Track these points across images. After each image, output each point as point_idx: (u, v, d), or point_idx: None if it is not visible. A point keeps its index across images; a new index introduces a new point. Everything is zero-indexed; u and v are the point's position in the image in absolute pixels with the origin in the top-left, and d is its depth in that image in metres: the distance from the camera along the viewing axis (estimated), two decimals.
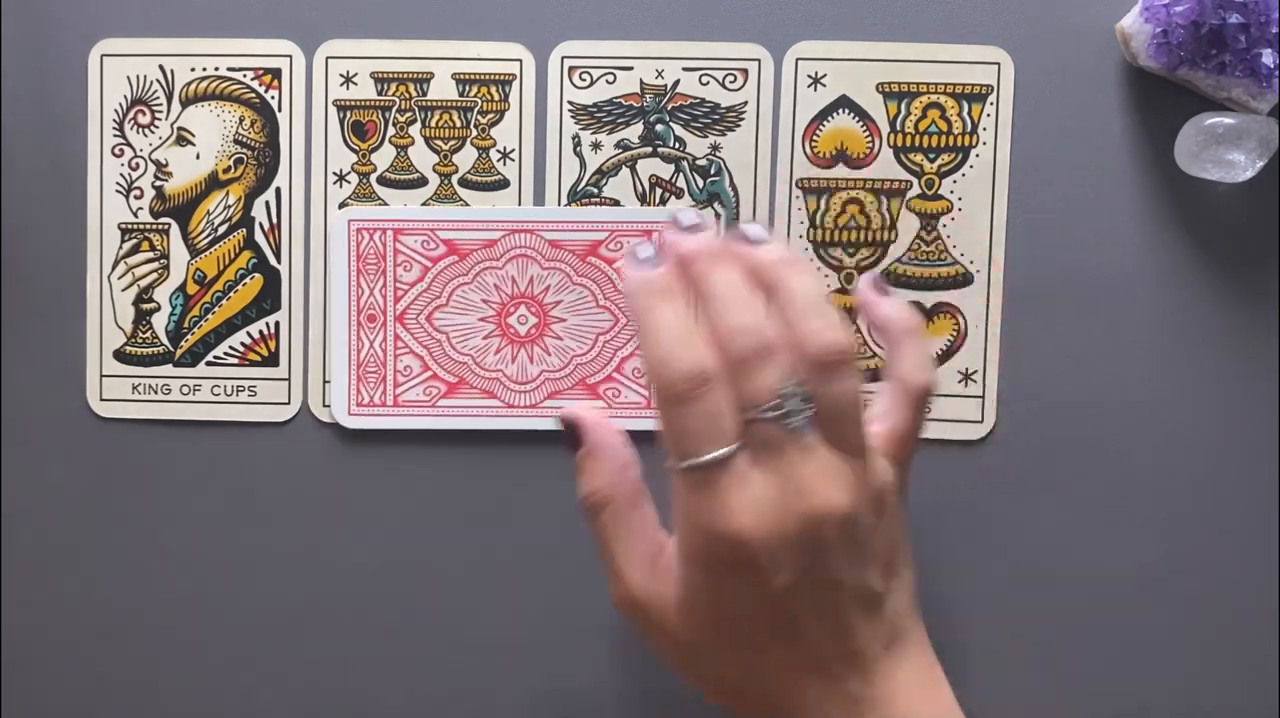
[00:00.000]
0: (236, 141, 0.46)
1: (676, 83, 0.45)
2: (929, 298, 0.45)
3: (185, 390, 0.46)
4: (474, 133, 0.46)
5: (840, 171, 0.45)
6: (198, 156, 0.46)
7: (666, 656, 0.38)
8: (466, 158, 0.46)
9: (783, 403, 0.34)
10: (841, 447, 0.35)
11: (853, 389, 0.35)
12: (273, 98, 0.46)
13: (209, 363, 0.46)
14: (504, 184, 0.46)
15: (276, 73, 0.46)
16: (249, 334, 0.46)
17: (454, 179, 0.46)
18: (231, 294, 0.46)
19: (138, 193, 0.46)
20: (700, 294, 0.36)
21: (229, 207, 0.46)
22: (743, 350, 0.34)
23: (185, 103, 0.46)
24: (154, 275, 0.46)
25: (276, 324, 0.46)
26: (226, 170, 0.46)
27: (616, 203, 0.45)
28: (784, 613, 0.35)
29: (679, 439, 0.35)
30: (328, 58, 0.46)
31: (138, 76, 0.46)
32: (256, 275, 0.46)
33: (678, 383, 0.34)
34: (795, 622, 0.35)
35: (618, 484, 0.38)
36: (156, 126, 0.46)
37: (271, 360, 0.46)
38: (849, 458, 0.35)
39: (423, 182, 0.46)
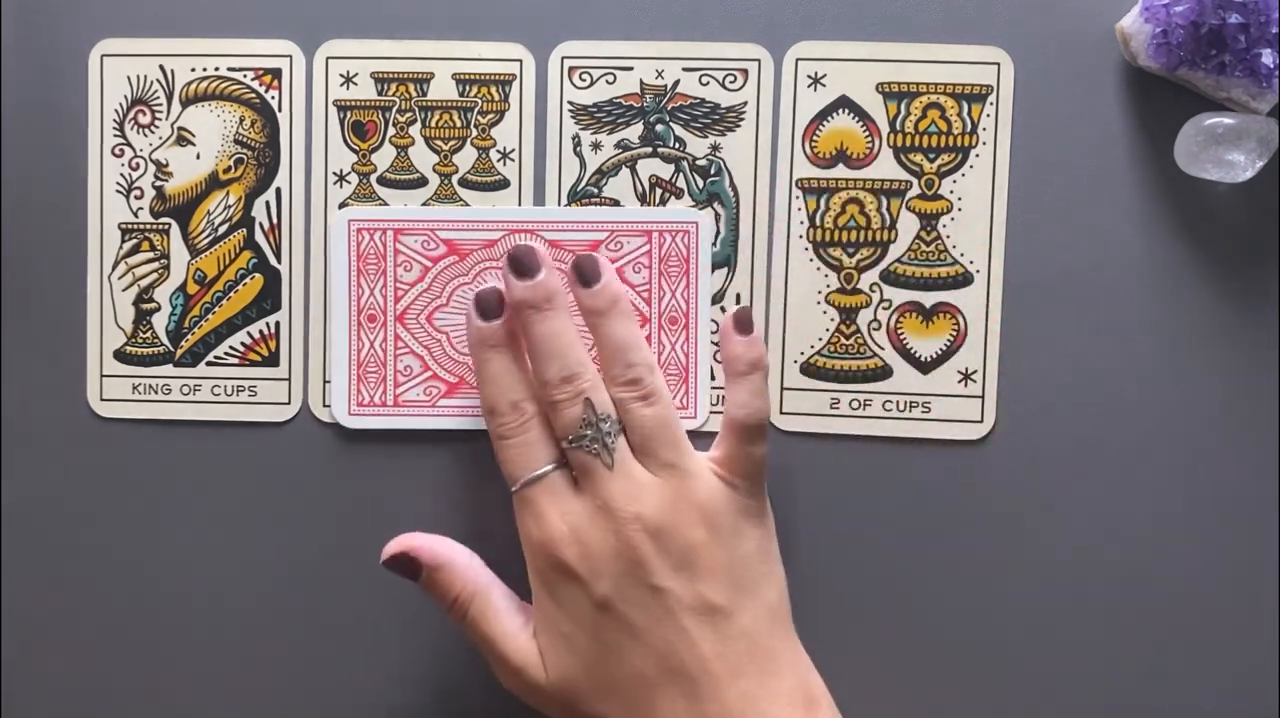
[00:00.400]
0: (237, 142, 0.46)
1: (676, 83, 0.45)
2: (929, 298, 0.45)
3: (185, 390, 0.46)
4: (474, 133, 0.46)
5: (840, 172, 0.45)
6: (198, 157, 0.46)
7: (547, 707, 0.41)
8: (466, 158, 0.46)
9: (589, 430, 0.40)
10: (653, 466, 0.40)
11: (658, 415, 0.41)
12: (273, 98, 0.46)
13: (209, 363, 0.46)
14: (504, 184, 0.46)
15: (276, 73, 0.46)
16: (249, 334, 0.46)
17: (454, 179, 0.46)
18: (232, 294, 0.46)
19: (138, 193, 0.46)
20: (528, 340, 0.41)
21: (229, 207, 0.46)
22: (553, 391, 0.40)
23: (185, 103, 0.46)
24: (154, 275, 0.46)
25: (276, 324, 0.46)
26: (227, 170, 0.46)
27: (616, 203, 0.46)
28: (615, 623, 0.39)
29: (507, 468, 0.41)
30: (328, 58, 0.46)
31: (138, 76, 0.46)
32: (257, 275, 0.46)
33: (500, 419, 0.41)
34: (628, 629, 0.39)
35: (471, 581, 0.42)
36: (157, 127, 0.46)
37: (271, 360, 0.46)
38: (662, 476, 0.40)
39: (423, 182, 0.46)
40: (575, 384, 0.40)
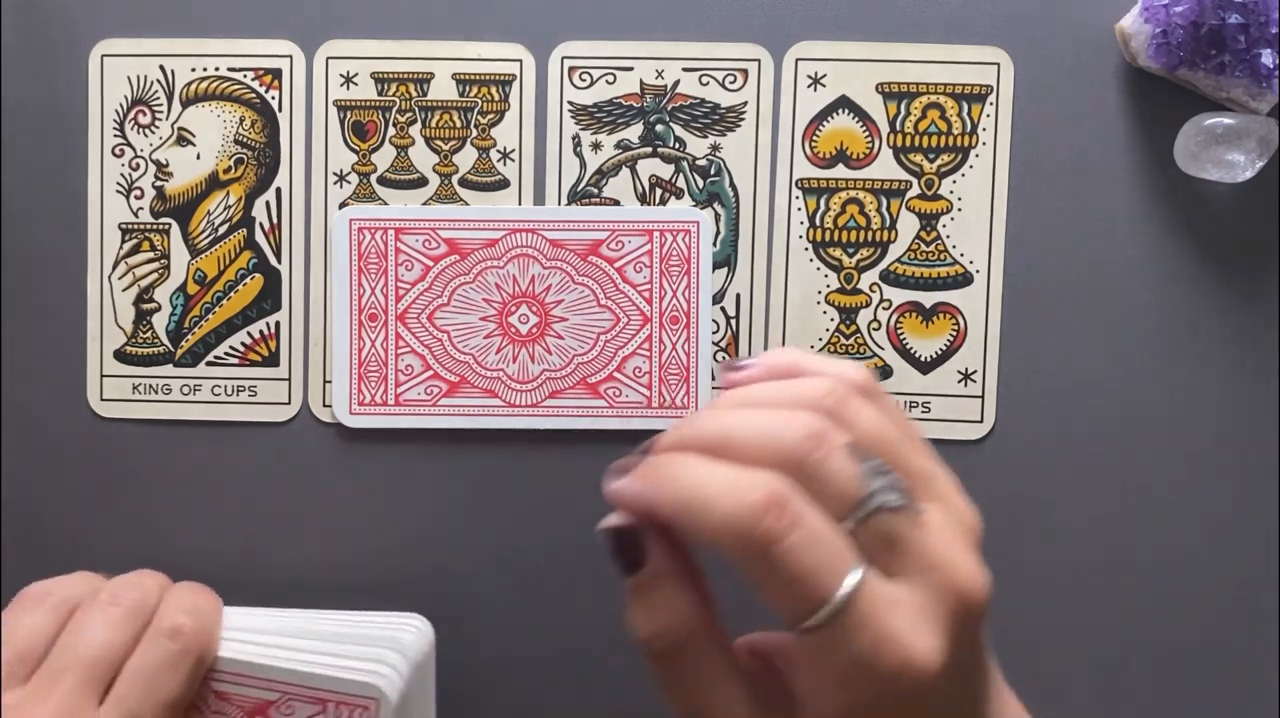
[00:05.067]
0: (237, 142, 0.46)
1: (676, 83, 0.45)
2: (929, 298, 0.45)
3: (185, 390, 0.46)
4: (474, 133, 0.46)
5: (840, 172, 0.45)
6: (198, 157, 0.46)
7: None
8: (467, 158, 0.46)
9: (873, 481, 0.28)
10: (928, 495, 0.30)
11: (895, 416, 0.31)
12: (273, 98, 0.46)
13: (209, 363, 0.46)
14: (504, 184, 0.46)
15: (277, 73, 0.46)
16: (249, 334, 0.46)
17: (454, 179, 0.46)
18: (232, 294, 0.46)
19: (138, 193, 0.46)
20: (719, 444, 0.30)
21: (229, 207, 0.46)
22: (798, 450, 0.29)
23: (186, 103, 0.46)
24: (154, 275, 0.46)
25: (277, 324, 0.46)
26: (227, 170, 0.46)
27: (616, 203, 0.46)
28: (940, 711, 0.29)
29: (794, 591, 0.28)
30: (328, 58, 0.46)
31: (138, 77, 0.46)
32: (257, 275, 0.46)
33: (757, 522, 0.27)
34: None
35: (692, 622, 0.30)
36: (157, 127, 0.46)
37: (272, 360, 0.46)
38: (943, 506, 0.30)
39: (423, 182, 0.46)
40: (814, 430, 0.29)
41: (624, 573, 0.31)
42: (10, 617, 0.39)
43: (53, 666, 0.38)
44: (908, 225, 0.45)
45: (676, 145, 0.45)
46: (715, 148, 0.45)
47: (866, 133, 0.45)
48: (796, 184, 0.45)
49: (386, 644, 0.41)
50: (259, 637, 0.41)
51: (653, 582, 0.30)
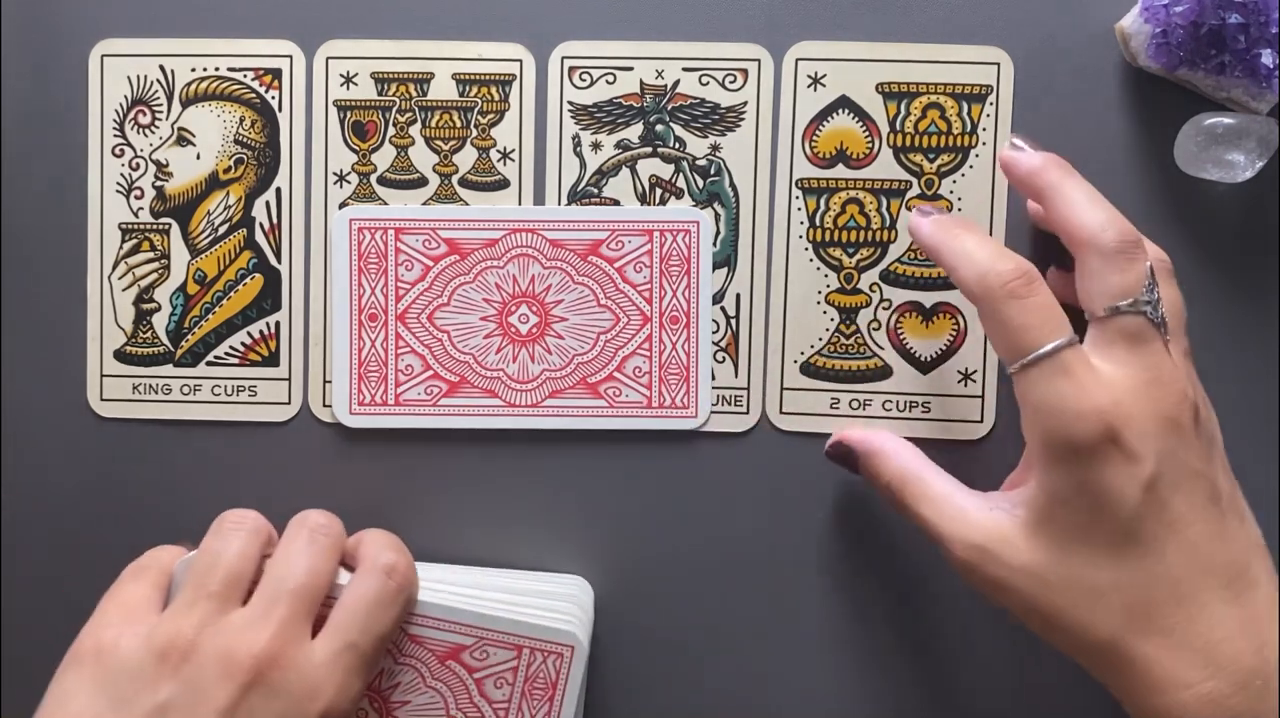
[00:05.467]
0: (237, 142, 0.46)
1: (676, 83, 0.45)
2: (929, 298, 0.45)
3: (185, 390, 0.46)
4: (474, 133, 0.46)
5: (840, 172, 0.45)
6: (198, 157, 0.46)
7: (1014, 593, 0.37)
8: (467, 158, 0.46)
9: (1151, 295, 0.36)
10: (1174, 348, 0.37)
11: (1179, 298, 0.39)
12: (273, 98, 0.46)
13: (209, 363, 0.46)
14: (504, 184, 0.46)
15: (277, 73, 0.46)
16: (249, 334, 0.46)
17: (454, 179, 0.46)
18: (232, 294, 0.46)
19: (138, 193, 0.46)
20: (1055, 196, 0.38)
21: (229, 207, 0.46)
22: (1114, 243, 0.37)
23: (185, 103, 0.46)
24: (154, 275, 0.46)
25: (277, 324, 0.46)
26: (227, 170, 0.46)
27: (616, 203, 0.46)
28: (1155, 509, 0.35)
29: (1017, 336, 0.36)
30: (328, 58, 0.46)
31: (138, 76, 0.46)
32: (257, 275, 0.46)
33: (1008, 280, 0.36)
34: (1167, 518, 0.35)
35: (906, 462, 0.40)
36: (157, 127, 0.46)
37: (272, 360, 0.46)
38: (1182, 358, 0.38)
39: (423, 182, 0.46)
40: (1137, 237, 0.37)
41: (853, 471, 0.42)
42: (214, 541, 0.40)
43: (268, 591, 0.39)
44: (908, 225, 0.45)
45: (676, 145, 0.45)
46: (715, 148, 0.45)
47: (866, 133, 0.45)
48: (796, 184, 0.45)
49: (567, 599, 0.42)
50: (449, 586, 0.42)
51: (866, 463, 0.41)
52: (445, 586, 0.42)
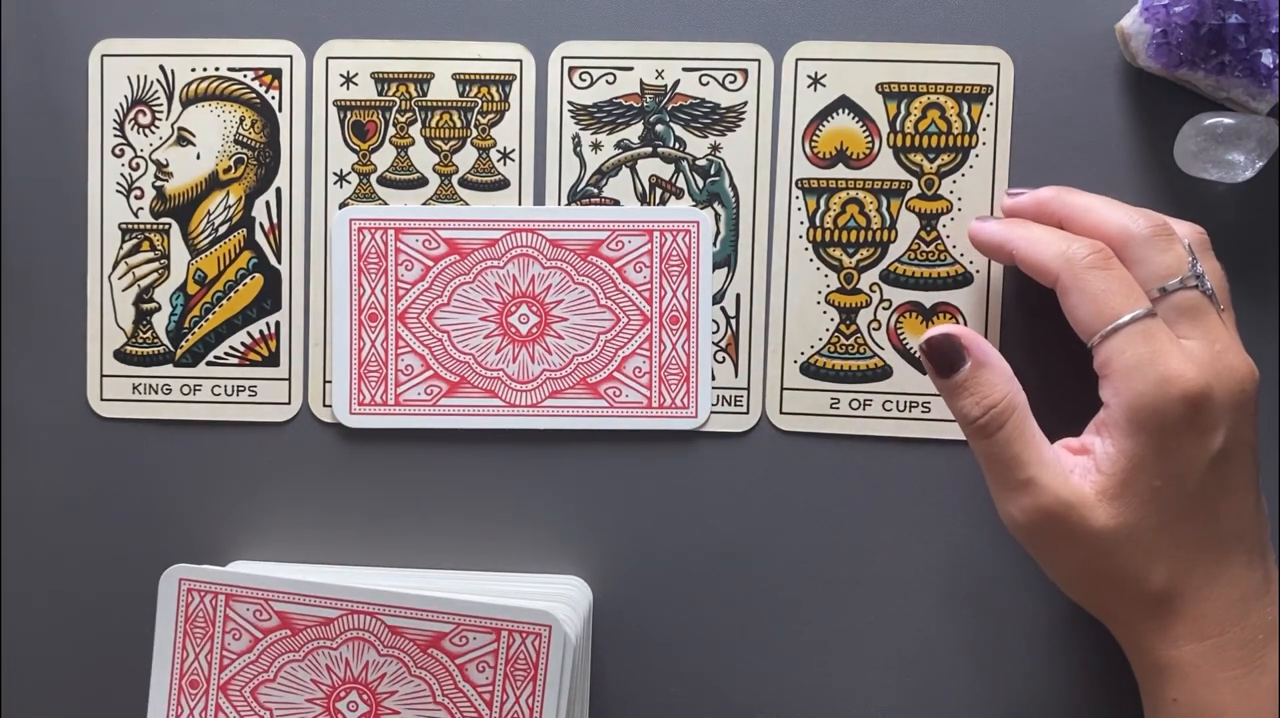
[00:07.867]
0: (237, 142, 0.46)
1: (676, 83, 0.45)
2: (929, 298, 0.45)
3: (185, 390, 0.46)
4: (474, 133, 0.46)
5: (840, 172, 0.45)
6: (198, 157, 0.46)
7: (1079, 552, 0.38)
8: (467, 158, 0.46)
9: (1197, 270, 0.38)
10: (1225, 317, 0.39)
11: (1220, 269, 0.40)
12: (273, 98, 0.46)
13: (209, 363, 0.46)
14: (504, 184, 0.46)
15: (277, 73, 0.46)
16: (249, 334, 0.46)
17: (454, 179, 0.46)
18: (232, 294, 0.46)
19: (138, 193, 0.46)
20: (1077, 212, 0.40)
21: (229, 207, 0.46)
22: (1147, 229, 0.38)
23: (186, 103, 0.46)
24: (154, 275, 0.46)
25: (277, 324, 0.46)
26: (227, 170, 0.46)
27: (616, 203, 0.46)
28: (1220, 478, 0.37)
29: (1103, 302, 0.37)
30: (328, 58, 0.46)
31: (138, 76, 0.46)
32: (257, 275, 0.46)
33: (1088, 253, 0.38)
34: (1229, 486, 0.37)
35: (1016, 392, 0.38)
36: (157, 127, 0.46)
37: (272, 360, 0.46)
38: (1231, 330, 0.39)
39: (423, 182, 0.46)
40: (1166, 223, 0.39)
41: (944, 376, 0.39)
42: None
43: None
44: (908, 225, 0.45)
45: (676, 145, 0.45)
46: (715, 148, 0.45)
47: (866, 133, 0.45)
48: (796, 184, 0.45)
49: (557, 596, 0.43)
50: (437, 580, 0.44)
51: (975, 373, 0.38)
52: (431, 579, 0.44)
